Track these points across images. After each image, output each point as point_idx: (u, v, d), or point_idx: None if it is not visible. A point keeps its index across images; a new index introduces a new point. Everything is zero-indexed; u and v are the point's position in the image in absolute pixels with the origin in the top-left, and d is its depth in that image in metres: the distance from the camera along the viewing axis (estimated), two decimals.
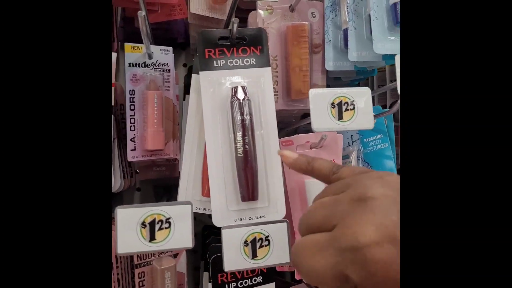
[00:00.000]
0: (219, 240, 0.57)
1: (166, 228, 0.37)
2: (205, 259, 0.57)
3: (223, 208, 0.43)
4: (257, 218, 0.44)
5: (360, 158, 0.60)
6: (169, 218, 0.38)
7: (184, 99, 0.69)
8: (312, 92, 0.41)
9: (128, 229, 0.36)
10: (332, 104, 0.42)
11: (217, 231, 0.62)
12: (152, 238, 0.37)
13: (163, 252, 0.50)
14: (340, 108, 0.42)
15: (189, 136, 0.52)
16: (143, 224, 0.37)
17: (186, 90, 0.70)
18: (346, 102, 0.42)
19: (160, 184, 0.79)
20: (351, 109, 0.42)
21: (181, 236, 0.38)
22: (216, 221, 0.43)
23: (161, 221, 0.37)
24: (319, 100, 0.42)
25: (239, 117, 0.45)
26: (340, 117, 0.42)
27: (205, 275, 0.57)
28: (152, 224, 0.37)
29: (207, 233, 0.63)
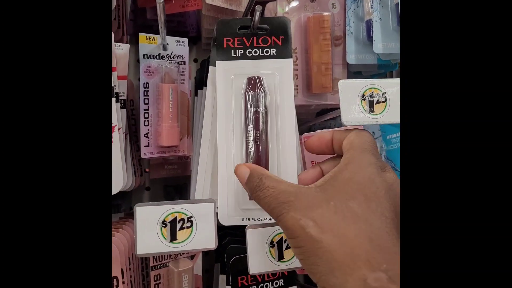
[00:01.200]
0: (236, 241, 0.54)
1: (188, 227, 0.35)
2: (221, 260, 0.54)
3: (231, 207, 0.40)
4: (266, 219, 0.40)
5: (382, 156, 0.58)
6: (191, 217, 0.35)
7: (196, 95, 0.67)
8: (342, 83, 0.39)
9: (148, 229, 0.34)
10: (363, 96, 0.40)
11: (233, 232, 0.59)
12: (173, 238, 0.34)
13: (180, 254, 0.48)
14: (371, 100, 0.39)
15: (206, 131, 0.50)
16: (164, 223, 0.34)
17: (198, 85, 0.68)
18: (378, 94, 0.40)
19: (170, 183, 0.76)
20: (382, 102, 0.40)
21: (203, 236, 0.35)
22: (223, 220, 0.39)
23: (183, 220, 0.35)
24: (349, 92, 0.39)
25: (252, 109, 0.42)
26: (371, 110, 0.39)
27: (221, 278, 0.54)
28: (173, 223, 0.34)
29: (221, 233, 0.61)
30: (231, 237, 0.55)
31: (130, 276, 0.48)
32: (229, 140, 0.42)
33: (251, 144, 0.41)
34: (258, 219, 0.39)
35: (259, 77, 0.43)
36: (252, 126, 0.41)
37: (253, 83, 0.43)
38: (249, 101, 0.42)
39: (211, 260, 0.75)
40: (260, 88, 0.43)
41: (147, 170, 0.68)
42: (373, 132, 0.59)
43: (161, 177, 0.69)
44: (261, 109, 0.42)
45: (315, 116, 0.67)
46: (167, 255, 0.46)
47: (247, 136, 0.41)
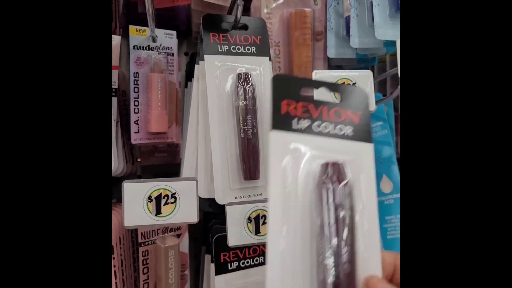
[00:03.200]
0: (221, 223, 0.57)
1: (171, 203, 0.38)
2: (207, 242, 0.57)
3: (226, 186, 0.44)
4: (255, 196, 0.45)
5: None
6: (174, 193, 0.38)
7: (186, 87, 0.70)
8: (316, 73, 0.42)
9: (135, 203, 0.37)
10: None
11: (219, 215, 0.62)
12: (158, 212, 0.38)
13: (167, 232, 0.51)
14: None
15: (192, 120, 0.53)
16: (149, 199, 0.38)
17: (188, 77, 0.71)
18: (349, 84, 0.43)
19: (161, 172, 0.79)
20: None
21: (186, 211, 0.38)
22: (219, 199, 0.44)
23: (167, 196, 0.38)
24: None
25: (243, 102, 0.46)
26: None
27: (207, 257, 0.57)
28: (158, 198, 0.38)
29: (209, 218, 0.64)
30: (217, 220, 0.58)
31: (121, 255, 0.51)
32: (222, 131, 0.46)
33: (243, 132, 0.45)
34: (248, 196, 0.44)
35: (247, 73, 0.47)
36: (243, 117, 0.45)
37: (243, 79, 0.47)
38: (240, 95, 0.46)
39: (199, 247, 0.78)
40: (249, 83, 0.47)
41: (138, 159, 0.71)
42: None
43: (152, 165, 0.72)
44: (250, 102, 0.46)
45: None
46: (155, 233, 0.49)
47: (239, 126, 0.45)
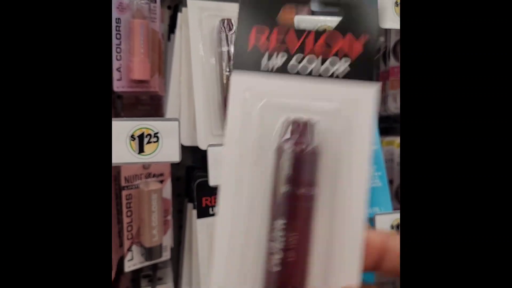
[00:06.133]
0: (204, 174, 0.59)
1: (154, 142, 0.39)
2: (190, 194, 0.59)
3: (208, 133, 0.45)
4: None
5: None
6: (157, 133, 0.39)
7: (169, 40, 0.69)
8: (297, 18, 0.43)
9: (119, 141, 0.38)
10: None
11: (201, 169, 0.64)
12: (141, 150, 0.38)
13: (150, 177, 0.52)
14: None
15: (175, 68, 0.53)
16: (132, 137, 0.38)
17: (172, 30, 0.70)
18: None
19: None
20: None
21: (168, 150, 0.39)
22: (201, 145, 0.45)
23: (150, 135, 0.39)
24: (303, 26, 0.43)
25: (225, 48, 0.47)
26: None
27: (189, 206, 0.59)
28: (141, 137, 0.38)
29: (192, 172, 0.66)
30: (199, 171, 0.59)
31: None
32: (205, 77, 0.46)
33: (225, 77, 0.45)
34: None
35: (229, 19, 0.47)
36: (225, 63, 0.46)
37: (226, 24, 0.47)
38: (223, 41, 0.46)
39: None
40: (232, 29, 0.47)
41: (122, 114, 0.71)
42: None
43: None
44: (232, 48, 0.47)
45: None
46: (138, 177, 0.50)
47: (221, 71, 0.46)
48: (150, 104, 0.72)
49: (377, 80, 0.29)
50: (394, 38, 0.69)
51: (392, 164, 0.69)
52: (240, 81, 0.23)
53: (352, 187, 0.23)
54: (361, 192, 0.23)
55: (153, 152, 0.39)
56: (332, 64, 0.23)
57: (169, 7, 0.82)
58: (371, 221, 0.53)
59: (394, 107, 0.69)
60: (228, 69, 0.46)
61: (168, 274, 0.62)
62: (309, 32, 0.23)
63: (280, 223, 0.21)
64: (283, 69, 0.23)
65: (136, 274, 0.61)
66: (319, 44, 0.23)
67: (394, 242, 0.24)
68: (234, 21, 0.48)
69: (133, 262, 0.53)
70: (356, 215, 0.23)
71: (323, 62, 0.23)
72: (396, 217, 0.52)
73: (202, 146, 0.45)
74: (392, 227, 0.52)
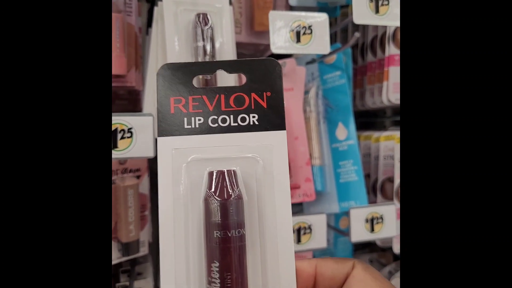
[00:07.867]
0: None
1: (128, 137, 0.39)
2: None
3: None
4: None
5: (318, 95, 0.63)
6: (130, 128, 0.39)
7: (147, 34, 0.69)
8: (272, 14, 0.43)
9: None
10: (291, 28, 0.44)
11: None
12: (114, 146, 0.38)
13: (126, 173, 0.52)
14: (298, 32, 0.44)
15: (152, 62, 0.53)
16: None
17: (150, 23, 0.70)
18: (304, 27, 0.44)
19: None
20: (308, 34, 0.44)
21: (142, 145, 0.39)
22: None
23: (123, 130, 0.39)
24: (279, 22, 0.43)
25: (201, 43, 0.47)
26: (298, 41, 0.44)
27: None
28: (114, 132, 0.38)
29: None
30: None
31: None
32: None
33: None
34: None
35: (205, 14, 0.47)
36: (201, 58, 0.46)
37: (201, 19, 0.46)
38: (198, 36, 0.46)
39: None
40: (207, 24, 0.46)
41: None
42: (312, 72, 0.65)
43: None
44: (208, 43, 0.46)
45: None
46: (115, 173, 0.50)
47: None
48: (128, 99, 0.71)
49: None
50: (371, 34, 0.70)
51: (369, 158, 0.70)
52: (167, 142, 0.26)
53: (277, 223, 0.26)
54: (286, 227, 0.26)
55: (127, 148, 0.39)
56: (243, 120, 0.26)
57: (147, 0, 0.81)
58: (347, 215, 0.54)
59: (372, 102, 0.70)
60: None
61: (147, 269, 0.62)
62: (220, 95, 0.26)
63: (215, 265, 0.24)
64: (202, 129, 0.26)
65: (115, 269, 0.61)
66: (230, 103, 0.26)
67: (325, 267, 0.26)
68: (210, 16, 0.48)
69: None
70: (285, 248, 0.25)
71: (235, 119, 0.26)
72: (370, 210, 0.53)
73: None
74: (366, 220, 0.53)
